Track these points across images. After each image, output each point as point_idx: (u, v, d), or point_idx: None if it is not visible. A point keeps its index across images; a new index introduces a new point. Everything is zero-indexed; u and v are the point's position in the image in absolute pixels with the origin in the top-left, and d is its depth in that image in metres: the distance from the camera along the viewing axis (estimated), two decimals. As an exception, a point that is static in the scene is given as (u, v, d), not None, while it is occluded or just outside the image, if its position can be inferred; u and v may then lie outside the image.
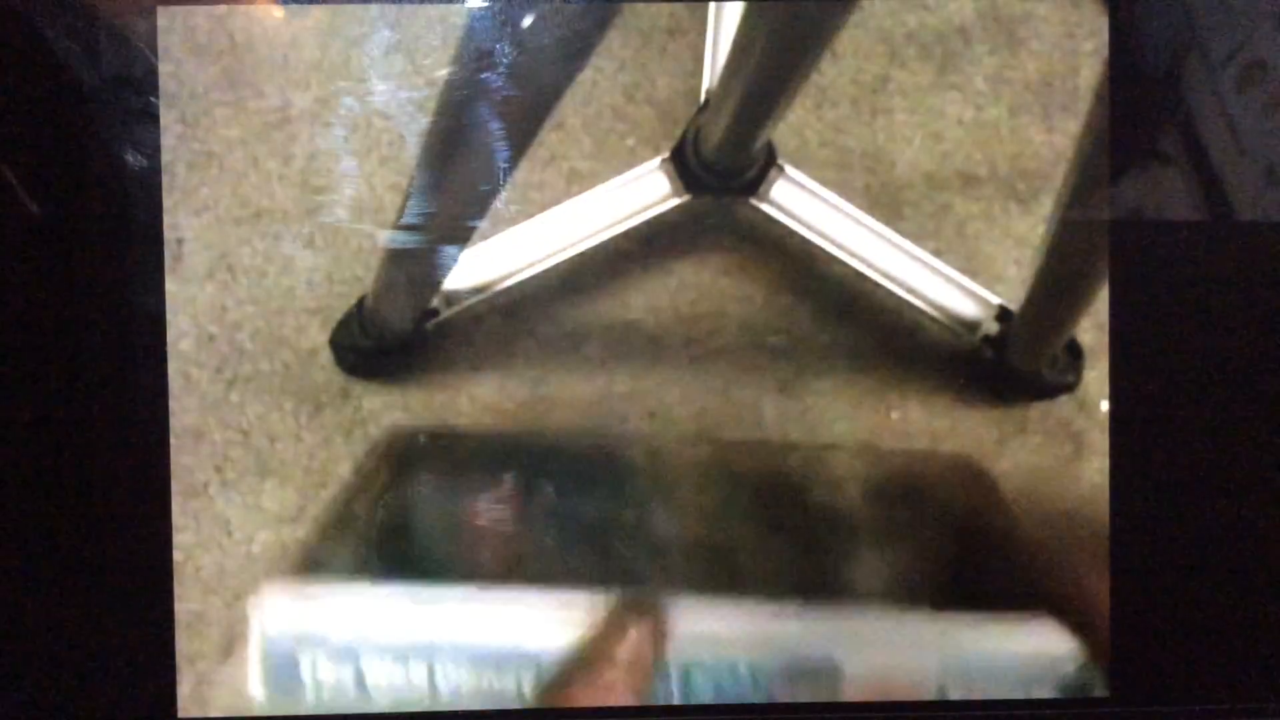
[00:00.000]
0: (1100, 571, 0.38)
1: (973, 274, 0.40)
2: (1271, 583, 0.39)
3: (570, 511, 0.37)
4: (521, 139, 0.37)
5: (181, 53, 0.38)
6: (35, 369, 0.37)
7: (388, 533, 0.37)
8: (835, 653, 0.37)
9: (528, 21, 0.37)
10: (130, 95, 0.37)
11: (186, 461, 0.38)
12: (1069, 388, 0.40)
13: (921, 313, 0.40)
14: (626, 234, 0.40)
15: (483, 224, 0.38)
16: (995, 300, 0.40)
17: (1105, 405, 0.39)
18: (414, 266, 0.38)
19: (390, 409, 0.40)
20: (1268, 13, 0.38)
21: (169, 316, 0.38)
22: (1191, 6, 0.38)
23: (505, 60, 0.37)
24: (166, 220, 0.38)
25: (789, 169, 0.39)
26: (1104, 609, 0.38)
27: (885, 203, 0.40)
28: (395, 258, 0.38)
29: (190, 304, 0.39)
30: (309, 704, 0.37)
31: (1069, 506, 0.39)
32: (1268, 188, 0.39)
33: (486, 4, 0.37)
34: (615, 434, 0.38)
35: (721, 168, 0.39)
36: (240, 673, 0.37)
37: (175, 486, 0.38)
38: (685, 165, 0.39)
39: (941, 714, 0.39)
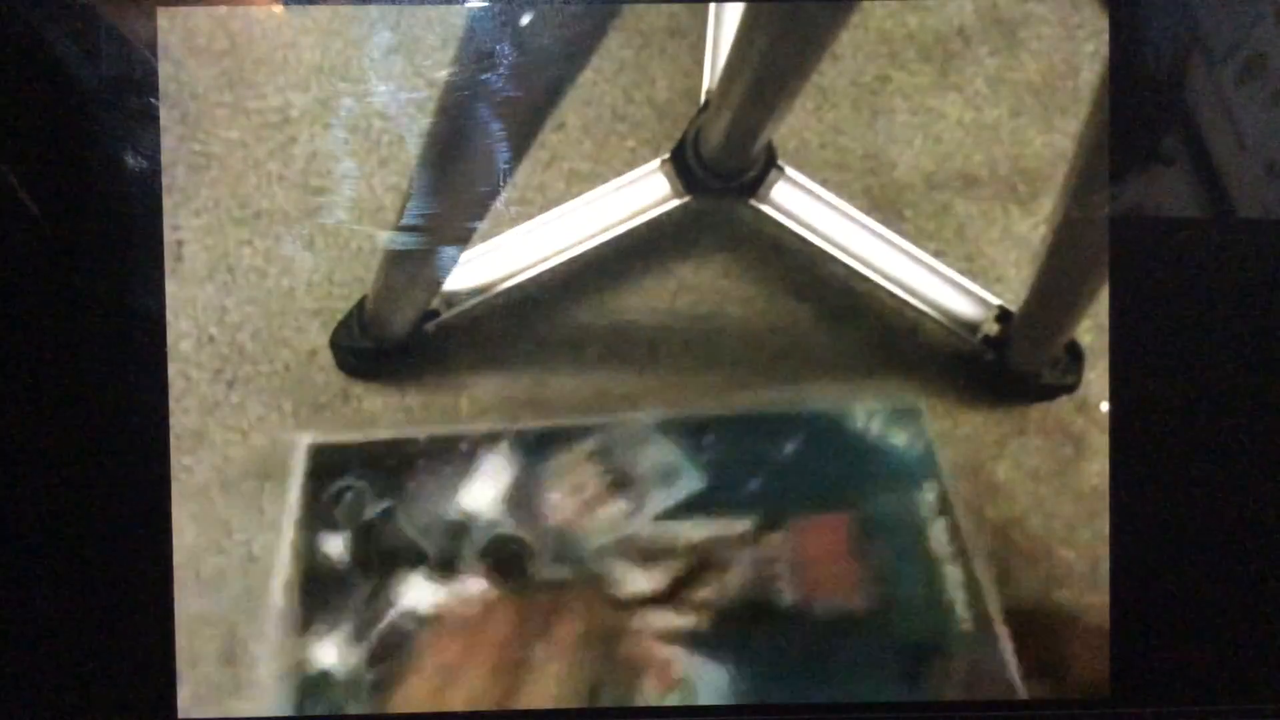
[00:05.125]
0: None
1: (973, 275, 0.40)
2: (1271, 583, 0.39)
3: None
4: (521, 140, 0.37)
5: (182, 54, 0.38)
6: (35, 370, 0.37)
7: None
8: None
9: (527, 22, 0.37)
10: (130, 96, 0.37)
11: (187, 463, 0.38)
12: (1069, 389, 0.40)
13: (922, 314, 0.40)
14: (627, 235, 0.40)
15: (483, 225, 0.38)
16: (995, 301, 0.40)
17: (1105, 406, 0.39)
18: (414, 268, 0.38)
19: (390, 410, 0.40)
20: (1268, 7, 0.38)
21: (169, 317, 0.38)
22: (1192, 2, 0.38)
23: (505, 61, 0.37)
24: (167, 221, 0.38)
25: (789, 170, 0.39)
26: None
27: (885, 204, 0.40)
28: (395, 259, 0.38)
29: (190, 305, 0.39)
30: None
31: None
32: (1268, 183, 0.39)
33: (486, 5, 0.37)
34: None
35: (722, 169, 0.39)
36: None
37: (175, 488, 0.38)
38: (685, 166, 0.39)
39: (942, 714, 0.39)
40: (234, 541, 0.38)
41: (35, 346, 0.37)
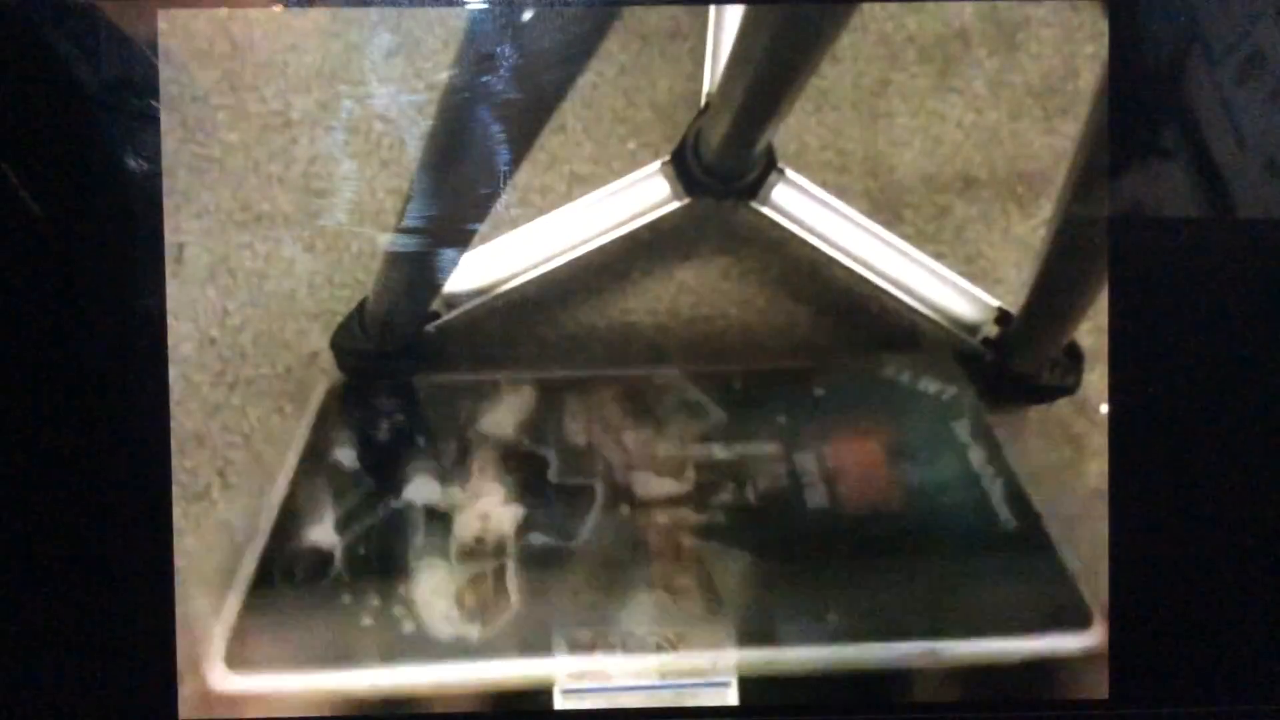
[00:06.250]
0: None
1: (972, 277, 0.40)
2: (1269, 583, 0.39)
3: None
4: (522, 142, 0.37)
5: (182, 56, 0.38)
6: (36, 373, 0.37)
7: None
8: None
9: (528, 24, 0.37)
10: (131, 99, 0.37)
11: (188, 465, 0.38)
12: (1069, 390, 0.40)
13: (921, 315, 0.40)
14: (627, 237, 0.40)
15: (483, 227, 0.38)
16: (995, 303, 0.40)
17: (1105, 408, 0.39)
18: (415, 270, 0.38)
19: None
20: (1267, 5, 0.38)
21: (170, 320, 0.38)
22: (1191, 2, 0.38)
23: (505, 63, 0.37)
24: (167, 224, 0.38)
25: (789, 172, 0.39)
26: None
27: (885, 206, 0.40)
28: (396, 261, 0.38)
29: (191, 308, 0.39)
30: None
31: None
32: (1268, 181, 0.39)
33: (486, 7, 0.37)
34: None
35: (722, 171, 0.39)
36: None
37: (177, 490, 0.38)
38: (686, 168, 0.39)
39: (943, 714, 0.39)
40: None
41: (36, 348, 0.37)
